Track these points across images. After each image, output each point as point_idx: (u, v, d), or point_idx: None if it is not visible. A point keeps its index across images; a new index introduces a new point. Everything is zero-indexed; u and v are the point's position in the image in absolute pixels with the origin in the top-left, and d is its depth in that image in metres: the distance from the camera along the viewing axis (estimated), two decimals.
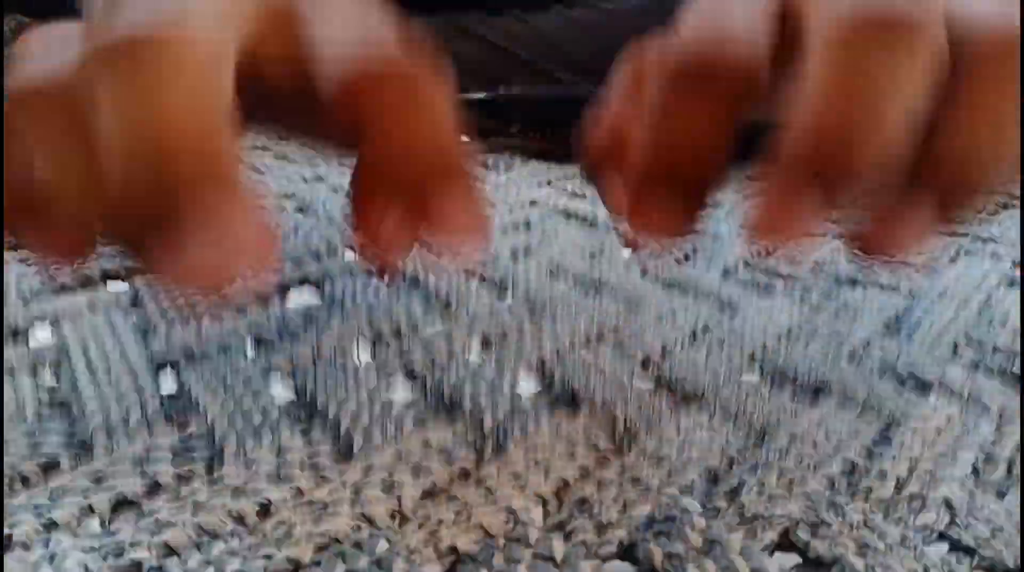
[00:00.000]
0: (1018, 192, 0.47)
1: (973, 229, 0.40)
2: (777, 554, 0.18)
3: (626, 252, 0.36)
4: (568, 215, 0.40)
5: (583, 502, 0.19)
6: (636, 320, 0.29)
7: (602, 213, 0.39)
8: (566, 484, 0.20)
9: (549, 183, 0.45)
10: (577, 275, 0.33)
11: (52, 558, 0.17)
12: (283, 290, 0.30)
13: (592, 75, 0.53)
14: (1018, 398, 0.24)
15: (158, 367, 0.25)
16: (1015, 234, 0.39)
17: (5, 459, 0.20)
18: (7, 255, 0.33)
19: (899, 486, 0.20)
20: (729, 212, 0.41)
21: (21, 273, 0.31)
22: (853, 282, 0.33)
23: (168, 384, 0.24)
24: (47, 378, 0.24)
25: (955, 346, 0.28)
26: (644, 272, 0.33)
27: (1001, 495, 0.20)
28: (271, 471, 0.20)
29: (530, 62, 0.54)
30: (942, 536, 0.19)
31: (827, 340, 0.28)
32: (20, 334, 0.27)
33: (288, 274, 0.31)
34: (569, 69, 0.54)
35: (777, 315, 0.29)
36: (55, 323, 0.27)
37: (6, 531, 0.18)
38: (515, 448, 0.21)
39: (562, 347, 0.26)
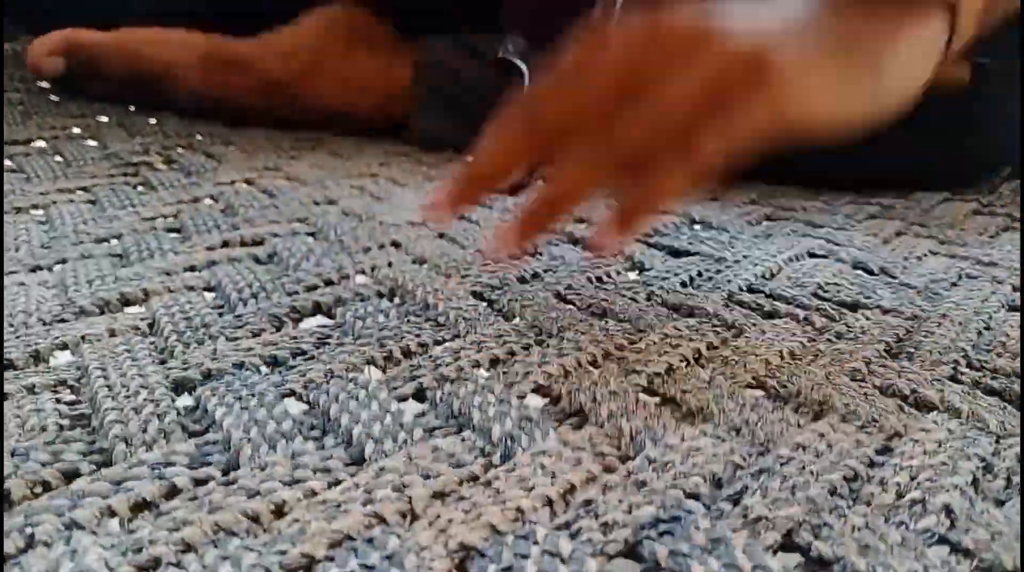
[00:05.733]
0: (1018, 214, 0.48)
1: (974, 253, 0.40)
2: (780, 553, 0.19)
3: (632, 276, 0.36)
4: (575, 241, 0.41)
5: (589, 503, 0.20)
6: (642, 341, 0.29)
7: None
8: (572, 488, 0.20)
9: None
10: (584, 299, 0.33)
11: (73, 555, 0.18)
12: (297, 317, 0.31)
13: None
14: (1018, 415, 0.25)
15: (175, 385, 0.25)
16: (1016, 258, 0.39)
17: (26, 467, 0.21)
18: (27, 278, 0.33)
19: (900, 493, 0.21)
20: (734, 237, 0.42)
21: (41, 297, 0.32)
22: (856, 306, 0.33)
23: (185, 399, 0.25)
24: (67, 395, 0.25)
25: (955, 367, 0.28)
26: (649, 297, 0.34)
27: (1000, 503, 0.21)
28: (285, 474, 0.20)
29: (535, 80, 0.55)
30: (942, 539, 0.19)
31: (830, 360, 0.28)
32: (41, 357, 0.27)
33: (300, 301, 0.32)
34: None
35: (781, 337, 0.30)
36: (75, 346, 0.28)
37: (28, 531, 0.18)
38: (523, 455, 0.21)
39: (569, 366, 0.27)
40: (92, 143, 0.57)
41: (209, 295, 0.33)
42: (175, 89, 0.65)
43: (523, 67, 0.55)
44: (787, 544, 0.19)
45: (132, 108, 0.68)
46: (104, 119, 0.64)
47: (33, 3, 0.79)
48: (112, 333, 0.29)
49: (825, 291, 0.35)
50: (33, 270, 0.35)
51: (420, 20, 0.63)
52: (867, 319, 0.32)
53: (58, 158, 0.53)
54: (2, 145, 0.54)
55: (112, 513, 0.19)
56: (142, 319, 0.30)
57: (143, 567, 0.17)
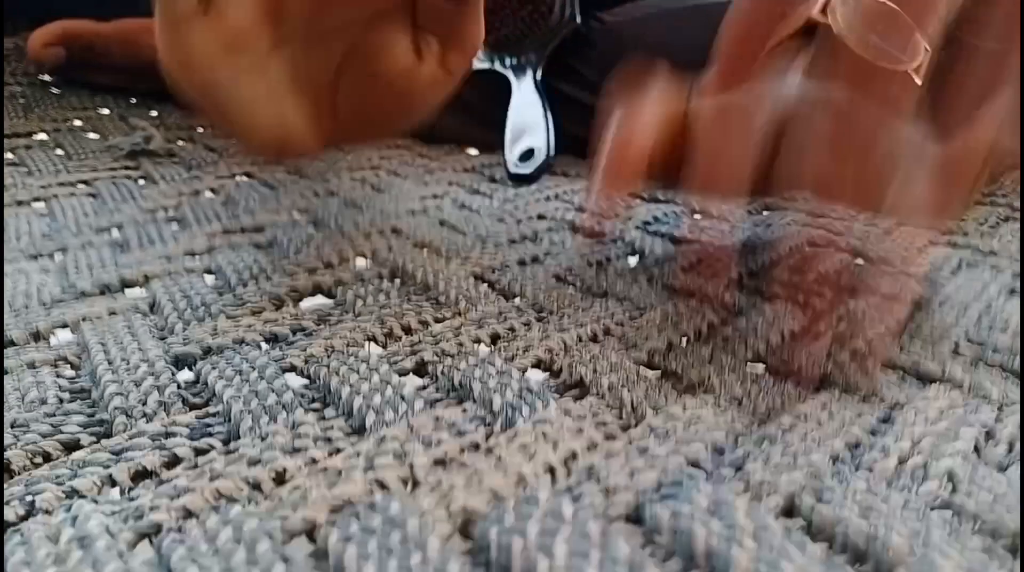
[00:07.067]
0: (1019, 204, 0.47)
1: (974, 242, 0.40)
2: (782, 517, 0.18)
3: (632, 261, 0.36)
4: (575, 228, 0.41)
5: (590, 469, 0.19)
6: (642, 318, 0.29)
7: (608, 226, 0.40)
8: (574, 455, 0.20)
9: (557, 197, 0.46)
10: (584, 281, 0.33)
11: (74, 521, 0.18)
12: (297, 297, 0.31)
13: (597, 87, 0.54)
14: (1018, 387, 0.25)
15: (176, 359, 0.25)
16: (1015, 248, 0.39)
17: (26, 439, 0.21)
18: (29, 265, 0.33)
19: (902, 459, 0.21)
20: (734, 227, 0.42)
21: (42, 281, 0.32)
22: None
23: (185, 373, 0.25)
24: (67, 370, 0.25)
25: (956, 345, 0.28)
26: (650, 280, 0.34)
27: (1003, 469, 0.21)
28: (286, 444, 0.20)
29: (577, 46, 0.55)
30: (945, 504, 0.19)
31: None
32: (41, 336, 0.27)
33: (300, 282, 0.32)
34: (574, 82, 0.55)
35: (782, 318, 0.30)
36: (76, 325, 0.28)
37: (28, 499, 0.18)
38: (524, 424, 0.21)
39: (569, 340, 0.27)
40: (93, 136, 0.57)
41: (209, 278, 0.33)
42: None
43: (507, 72, 0.55)
44: (789, 508, 0.19)
45: (133, 101, 0.68)
46: (105, 112, 0.64)
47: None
48: (112, 313, 0.29)
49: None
50: (34, 258, 0.35)
51: None
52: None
53: (59, 151, 0.53)
54: (1, 139, 0.54)
55: (113, 482, 0.19)
56: (142, 300, 0.30)
57: (144, 533, 0.17)
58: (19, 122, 0.59)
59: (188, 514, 0.18)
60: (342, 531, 0.17)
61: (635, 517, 0.18)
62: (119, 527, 0.17)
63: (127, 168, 0.50)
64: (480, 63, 0.56)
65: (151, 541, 0.17)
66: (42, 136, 0.57)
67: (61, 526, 0.17)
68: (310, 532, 0.17)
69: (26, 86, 0.71)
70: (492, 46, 0.56)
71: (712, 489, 0.19)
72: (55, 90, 0.70)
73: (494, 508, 0.18)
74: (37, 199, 0.43)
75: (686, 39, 0.54)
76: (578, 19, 0.55)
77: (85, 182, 0.46)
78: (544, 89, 0.53)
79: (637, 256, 0.38)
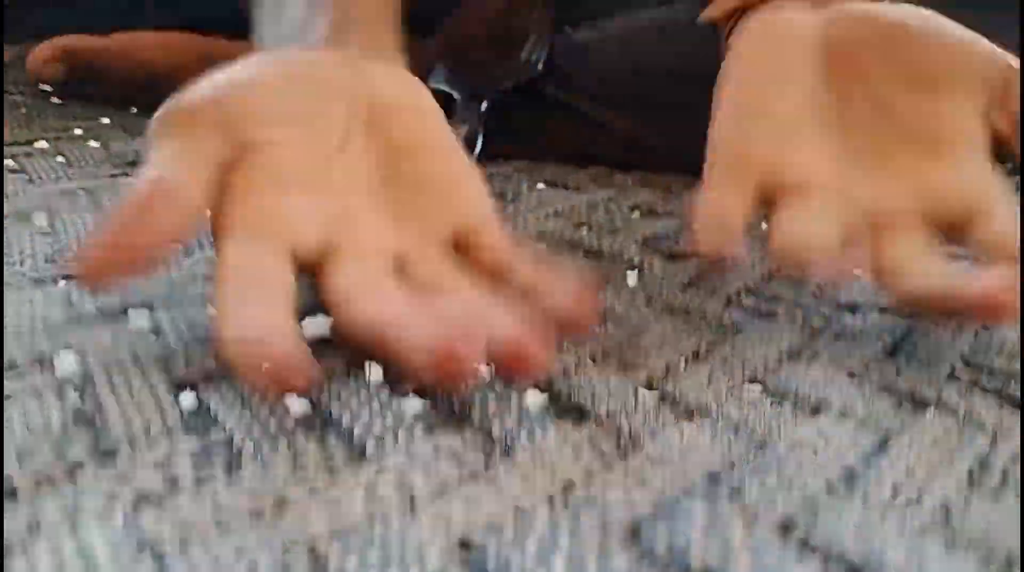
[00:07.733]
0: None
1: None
2: (776, 542, 0.19)
3: (632, 279, 0.37)
4: (574, 246, 0.41)
5: (587, 497, 0.20)
6: (641, 341, 0.29)
7: (607, 244, 0.41)
8: (572, 483, 0.20)
9: (557, 214, 0.46)
10: None
11: (79, 549, 0.18)
12: (299, 315, 0.31)
13: (596, 96, 0.55)
14: (1016, 415, 0.25)
15: (178, 387, 0.25)
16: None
17: (31, 466, 0.21)
18: (32, 293, 0.34)
19: (896, 488, 0.21)
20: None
21: (46, 303, 0.32)
22: (853, 308, 0.33)
23: (188, 401, 0.25)
24: (72, 398, 0.25)
25: (952, 368, 0.28)
26: (649, 300, 0.34)
27: (996, 498, 0.21)
28: (287, 472, 0.21)
29: (535, 86, 0.56)
30: (939, 533, 0.19)
31: (828, 360, 0.28)
32: (45, 362, 0.27)
33: (301, 299, 0.32)
34: (574, 91, 0.55)
35: (779, 337, 0.30)
36: (80, 351, 0.28)
37: (33, 522, 0.19)
38: (523, 453, 0.22)
39: (568, 363, 0.27)
40: (94, 144, 0.58)
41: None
42: (176, 91, 0.65)
43: (453, 93, 0.57)
44: (785, 526, 0.19)
45: (134, 110, 0.68)
46: (106, 121, 0.65)
47: (35, 10, 0.80)
48: (116, 338, 0.29)
49: (823, 291, 0.35)
50: (38, 283, 0.35)
51: (426, 21, 0.64)
52: (864, 320, 0.32)
53: (60, 158, 0.54)
54: (1, 149, 0.54)
55: (116, 507, 0.19)
56: (145, 325, 0.30)
57: (148, 555, 0.18)
58: (20, 131, 0.60)
59: (191, 541, 0.18)
60: (342, 561, 0.17)
61: (632, 536, 0.19)
62: (123, 552, 0.18)
63: (127, 175, 0.50)
64: (436, 83, 0.57)
65: (155, 561, 0.18)
66: (43, 144, 0.57)
67: (67, 555, 0.18)
68: (312, 548, 0.18)
69: (27, 96, 0.72)
70: (452, 70, 0.58)
71: (708, 514, 0.19)
72: (56, 100, 0.71)
73: (491, 537, 0.18)
74: (39, 208, 0.43)
75: (680, 51, 0.54)
76: (539, 69, 0.56)
77: (86, 190, 0.47)
78: (483, 119, 0.55)
79: (636, 271, 0.38)
